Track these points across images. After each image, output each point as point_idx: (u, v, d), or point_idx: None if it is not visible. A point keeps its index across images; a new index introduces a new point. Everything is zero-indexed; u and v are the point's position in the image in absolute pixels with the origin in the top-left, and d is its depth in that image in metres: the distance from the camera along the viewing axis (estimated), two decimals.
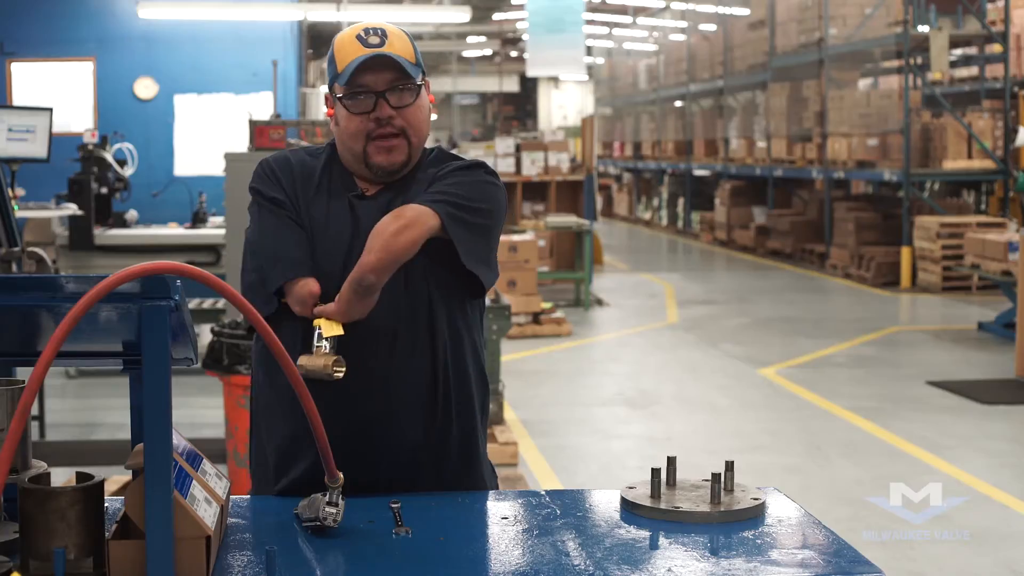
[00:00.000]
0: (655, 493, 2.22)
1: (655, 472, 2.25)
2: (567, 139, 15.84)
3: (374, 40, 2.36)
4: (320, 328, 2.31)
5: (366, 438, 2.39)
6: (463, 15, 17.10)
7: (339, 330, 2.30)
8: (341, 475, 2.10)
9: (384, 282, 2.29)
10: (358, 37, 2.37)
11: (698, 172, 22.70)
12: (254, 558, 1.98)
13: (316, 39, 18.63)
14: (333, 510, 2.10)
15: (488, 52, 34.73)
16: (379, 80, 2.36)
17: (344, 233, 2.41)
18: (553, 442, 7.02)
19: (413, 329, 2.39)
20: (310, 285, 2.34)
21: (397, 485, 2.39)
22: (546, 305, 11.14)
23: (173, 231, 9.09)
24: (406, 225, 2.26)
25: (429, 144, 2.55)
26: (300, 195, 2.46)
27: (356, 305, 2.28)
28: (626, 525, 2.15)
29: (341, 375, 2.28)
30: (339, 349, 2.32)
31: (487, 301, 6.91)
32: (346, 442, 2.30)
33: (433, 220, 2.29)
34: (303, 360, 2.28)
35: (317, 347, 2.30)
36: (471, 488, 2.48)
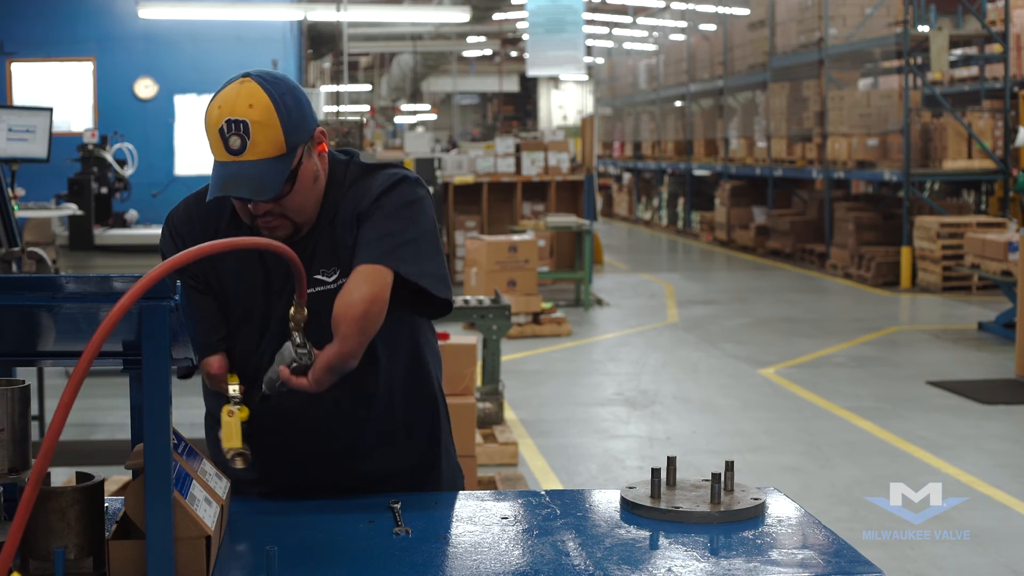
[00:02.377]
0: (655, 493, 2.22)
1: (655, 472, 2.25)
2: (567, 139, 15.84)
3: (234, 143, 2.22)
4: (233, 411, 2.29)
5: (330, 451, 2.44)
6: (463, 15, 17.13)
7: (232, 444, 2.28)
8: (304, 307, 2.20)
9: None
10: (220, 132, 2.23)
11: (698, 172, 22.70)
12: (254, 558, 1.98)
13: (316, 39, 18.63)
14: (304, 349, 2.21)
15: (488, 52, 34.72)
16: (242, 192, 2.26)
17: (257, 286, 2.39)
18: (553, 442, 7.02)
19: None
20: (210, 366, 2.36)
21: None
22: (546, 305, 11.14)
23: None
24: (370, 299, 2.21)
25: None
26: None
27: (331, 381, 2.25)
28: (626, 525, 2.15)
29: (241, 467, 2.28)
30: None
31: (487, 301, 6.91)
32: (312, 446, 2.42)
33: (388, 277, 2.26)
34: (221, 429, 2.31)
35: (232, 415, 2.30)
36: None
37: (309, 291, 2.32)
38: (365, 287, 2.22)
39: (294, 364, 2.22)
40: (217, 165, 2.25)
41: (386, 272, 2.25)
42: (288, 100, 2.25)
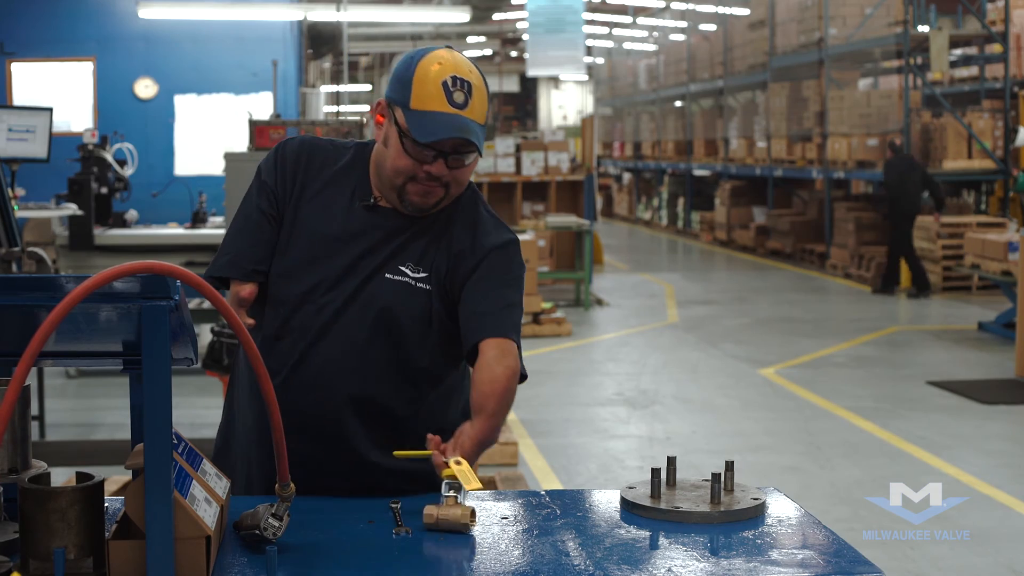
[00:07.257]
0: (655, 493, 2.22)
1: (655, 472, 2.25)
2: (567, 139, 15.83)
3: (459, 98, 2.28)
4: (453, 479, 2.13)
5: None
6: (463, 15, 17.12)
7: (477, 485, 2.10)
8: (293, 486, 1.97)
9: None
10: (444, 85, 2.27)
11: (698, 172, 22.70)
12: (254, 558, 1.98)
13: (316, 39, 18.62)
14: (276, 523, 1.97)
15: (488, 52, 34.71)
16: (450, 143, 2.29)
17: (333, 236, 2.38)
18: (553, 442, 7.02)
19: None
20: (242, 290, 2.35)
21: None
22: (546, 305, 11.14)
23: (173, 231, 9.08)
24: (512, 374, 2.30)
25: None
26: (304, 186, 2.43)
27: (478, 457, 2.30)
28: (626, 525, 2.15)
29: (474, 527, 2.12)
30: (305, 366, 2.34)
31: None
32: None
33: (516, 350, 2.36)
34: (435, 511, 2.11)
35: (448, 497, 2.12)
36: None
37: (388, 276, 2.36)
38: (505, 361, 2.30)
39: (257, 532, 1.98)
40: (429, 115, 2.26)
41: (515, 346, 2.34)
42: (484, 79, 2.36)
